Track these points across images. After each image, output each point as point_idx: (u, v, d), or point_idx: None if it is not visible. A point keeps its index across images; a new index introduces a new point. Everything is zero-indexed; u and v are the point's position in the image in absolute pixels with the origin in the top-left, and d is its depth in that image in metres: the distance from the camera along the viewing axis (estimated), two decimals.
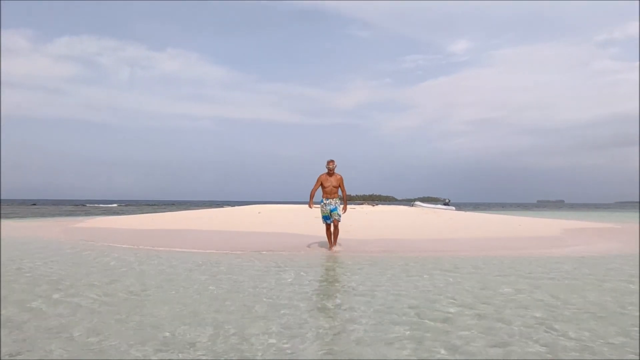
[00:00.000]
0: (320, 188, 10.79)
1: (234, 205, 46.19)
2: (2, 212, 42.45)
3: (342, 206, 10.91)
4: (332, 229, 10.83)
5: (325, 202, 10.72)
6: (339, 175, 10.74)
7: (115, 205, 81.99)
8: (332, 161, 10.54)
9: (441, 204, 51.57)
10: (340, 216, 10.73)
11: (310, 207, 11.07)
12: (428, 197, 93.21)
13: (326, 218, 10.73)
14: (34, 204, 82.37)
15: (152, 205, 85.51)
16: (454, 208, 46.50)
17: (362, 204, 47.93)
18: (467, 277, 7.09)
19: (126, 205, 78.67)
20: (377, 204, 47.09)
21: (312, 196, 10.72)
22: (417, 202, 55.49)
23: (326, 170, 10.69)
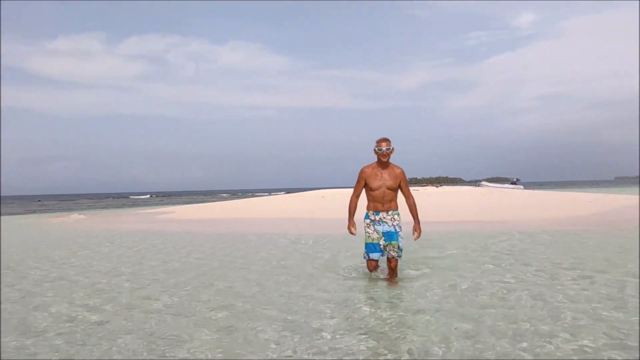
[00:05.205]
0: (365, 193, 5.75)
1: (295, 192, 47.71)
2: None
3: (417, 228, 5.57)
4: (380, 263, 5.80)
5: (372, 218, 5.61)
6: (398, 168, 5.65)
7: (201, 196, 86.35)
8: (387, 140, 5.52)
9: (508, 184, 50.38)
10: (402, 250, 5.57)
11: (352, 231, 5.67)
12: (497, 177, 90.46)
13: (373, 249, 5.56)
14: (104, 197, 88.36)
15: (227, 193, 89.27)
16: (522, 187, 45.33)
17: (425, 185, 47.83)
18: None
19: (204, 195, 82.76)
20: (441, 185, 46.81)
21: (352, 211, 5.72)
22: (484, 182, 54.56)
23: (374, 161, 5.66)
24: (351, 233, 5.66)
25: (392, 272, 5.60)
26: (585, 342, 3.27)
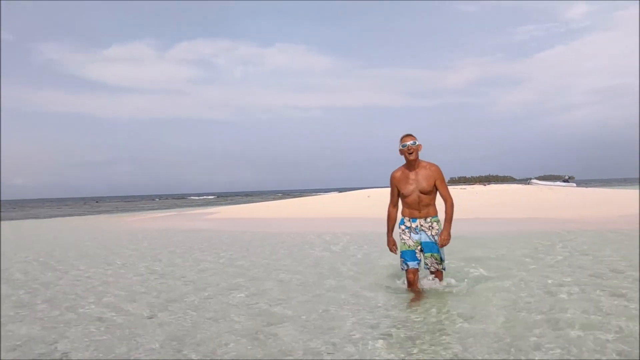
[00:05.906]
0: (399, 200, 5.16)
1: (346, 191, 48.29)
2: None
3: (443, 232, 4.86)
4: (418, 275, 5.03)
5: (408, 225, 5.02)
6: (432, 165, 4.98)
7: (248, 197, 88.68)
8: (412, 135, 4.92)
9: (560, 182, 48.96)
10: (444, 261, 5.04)
11: (392, 250, 5.13)
12: (549, 175, 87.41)
13: (411, 257, 4.93)
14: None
15: (278, 193, 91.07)
16: (574, 185, 44.00)
17: (473, 184, 47.25)
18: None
19: (257, 196, 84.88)
20: (489, 184, 46.15)
21: (390, 225, 5.15)
22: (534, 180, 53.15)
23: (402, 163, 5.07)
24: (392, 251, 5.11)
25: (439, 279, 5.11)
26: None
